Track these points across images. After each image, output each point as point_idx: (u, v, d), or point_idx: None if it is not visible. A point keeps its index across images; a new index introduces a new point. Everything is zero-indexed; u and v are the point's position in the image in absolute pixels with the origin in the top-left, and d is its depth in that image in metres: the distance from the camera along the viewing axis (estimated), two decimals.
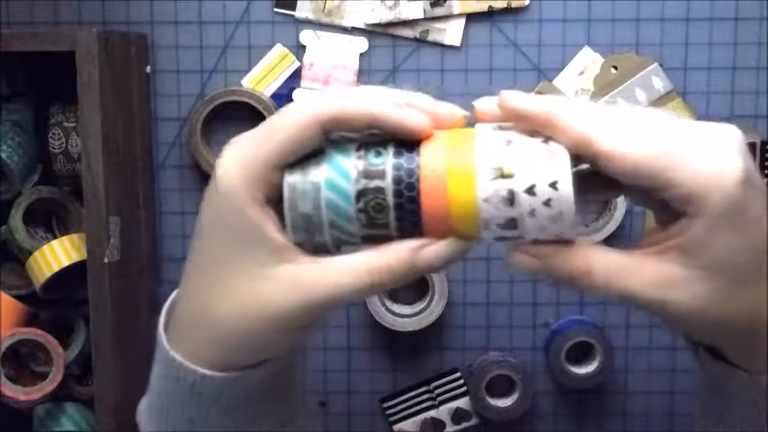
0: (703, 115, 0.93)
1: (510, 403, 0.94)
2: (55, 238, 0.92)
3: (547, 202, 0.40)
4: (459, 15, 0.92)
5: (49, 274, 0.88)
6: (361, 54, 0.93)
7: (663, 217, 0.44)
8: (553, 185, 0.40)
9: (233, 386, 0.46)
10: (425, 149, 0.42)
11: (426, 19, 0.92)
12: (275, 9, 0.94)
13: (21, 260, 0.92)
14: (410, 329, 0.93)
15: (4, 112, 0.91)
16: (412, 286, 0.95)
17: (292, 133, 0.43)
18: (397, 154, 0.42)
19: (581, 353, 0.94)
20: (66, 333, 0.93)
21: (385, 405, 0.97)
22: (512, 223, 0.41)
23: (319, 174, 0.42)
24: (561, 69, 0.93)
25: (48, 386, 0.88)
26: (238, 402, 0.47)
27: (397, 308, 0.94)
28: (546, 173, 0.40)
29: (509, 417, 0.94)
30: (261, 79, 0.93)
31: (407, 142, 0.43)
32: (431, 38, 0.93)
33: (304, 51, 0.93)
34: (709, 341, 0.46)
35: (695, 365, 0.50)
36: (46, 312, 0.94)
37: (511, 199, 0.40)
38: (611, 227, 0.92)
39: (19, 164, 0.90)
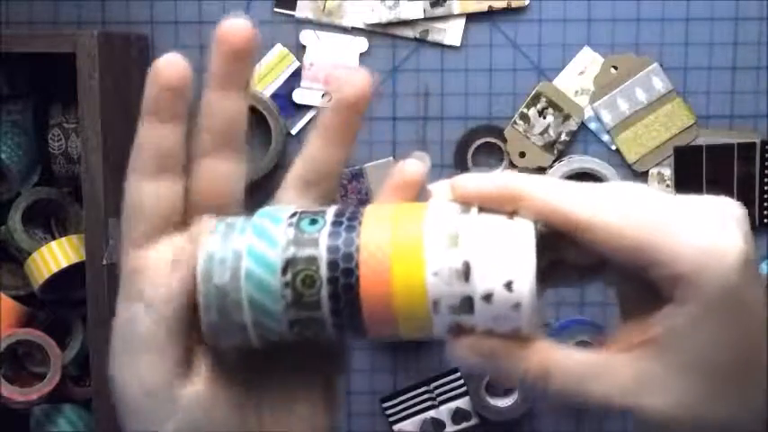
0: (703, 115, 0.93)
1: (510, 403, 0.93)
2: (54, 239, 0.92)
3: (508, 285, 0.34)
4: (460, 15, 0.92)
5: (47, 275, 0.88)
6: (361, 54, 0.93)
7: (636, 309, 0.38)
8: (515, 264, 0.34)
9: None
10: (368, 215, 0.36)
11: (426, 19, 0.92)
12: (275, 9, 0.93)
13: (19, 261, 0.92)
14: None
15: (4, 112, 0.91)
16: None
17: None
18: (336, 223, 0.35)
19: None
20: (64, 334, 0.93)
21: (385, 405, 0.97)
22: (467, 305, 0.34)
23: (242, 241, 0.35)
24: (561, 69, 0.93)
25: (45, 387, 0.88)
26: None
27: None
28: (507, 249, 0.34)
29: (509, 417, 0.94)
30: (261, 79, 0.93)
31: (348, 212, 0.36)
32: (431, 38, 0.93)
33: (304, 51, 0.93)
34: None
35: None
36: (44, 313, 0.93)
37: (466, 272, 0.34)
38: None
39: (19, 164, 0.90)
